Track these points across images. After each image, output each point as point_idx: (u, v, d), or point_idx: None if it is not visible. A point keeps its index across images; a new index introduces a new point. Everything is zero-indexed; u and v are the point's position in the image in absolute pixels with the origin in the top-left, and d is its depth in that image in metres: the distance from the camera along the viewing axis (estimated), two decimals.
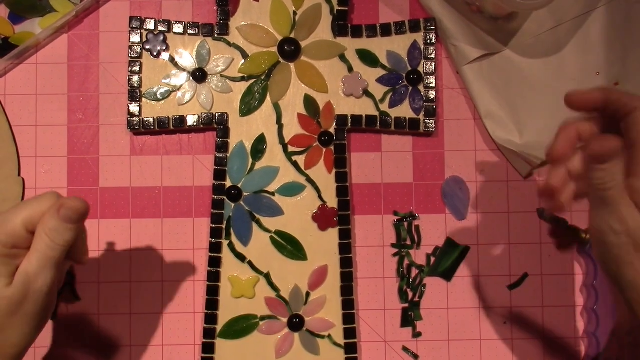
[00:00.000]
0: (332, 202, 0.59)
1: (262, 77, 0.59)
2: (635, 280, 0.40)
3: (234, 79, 0.59)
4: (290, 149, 0.59)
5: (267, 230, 0.59)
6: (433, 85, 0.59)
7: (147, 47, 0.59)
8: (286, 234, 0.59)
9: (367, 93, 0.59)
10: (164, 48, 0.59)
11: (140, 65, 0.59)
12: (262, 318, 0.59)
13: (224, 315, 0.58)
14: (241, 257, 0.59)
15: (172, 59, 0.59)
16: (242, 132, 0.59)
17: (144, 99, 0.59)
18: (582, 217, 0.60)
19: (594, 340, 0.58)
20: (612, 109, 0.42)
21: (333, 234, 0.59)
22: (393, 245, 0.60)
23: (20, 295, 0.44)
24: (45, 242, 0.44)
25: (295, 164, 0.59)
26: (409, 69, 0.59)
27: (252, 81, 0.59)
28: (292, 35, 0.59)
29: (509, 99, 0.59)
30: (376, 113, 0.59)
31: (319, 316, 0.59)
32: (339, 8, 0.59)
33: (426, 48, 0.59)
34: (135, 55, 0.59)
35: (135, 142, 0.60)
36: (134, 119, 0.58)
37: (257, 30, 0.59)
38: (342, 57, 0.59)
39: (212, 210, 0.58)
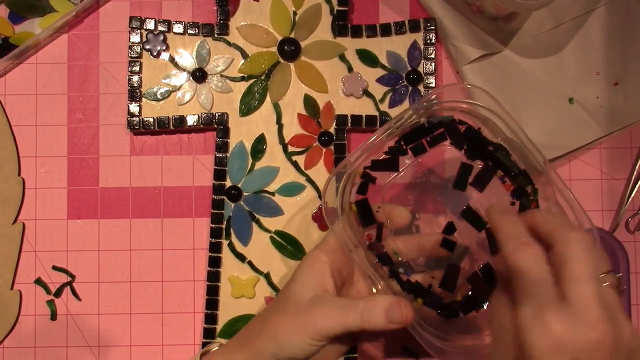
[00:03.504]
0: (332, 202, 0.59)
1: (262, 77, 0.59)
2: None
3: (233, 79, 0.59)
4: (290, 149, 0.59)
5: (267, 230, 0.59)
6: (433, 85, 0.59)
7: (147, 47, 0.59)
8: (286, 234, 0.59)
9: (367, 93, 0.59)
10: (164, 48, 0.59)
11: (140, 65, 0.59)
12: None
13: (224, 315, 0.58)
14: (241, 257, 0.59)
15: (172, 59, 0.59)
16: (242, 132, 0.59)
17: (144, 99, 0.59)
18: None
19: None
20: (540, 234, 0.42)
21: None
22: None
23: None
24: None
25: (295, 164, 0.59)
26: (409, 69, 0.59)
27: (252, 81, 0.59)
28: (292, 35, 0.59)
29: (509, 99, 0.59)
30: (376, 113, 0.59)
31: None
32: (339, 8, 0.59)
33: (426, 48, 0.59)
34: (135, 55, 0.59)
35: (135, 142, 0.60)
36: (134, 119, 0.58)
37: (257, 30, 0.59)
38: (342, 57, 0.59)
39: (212, 210, 0.58)
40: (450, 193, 0.52)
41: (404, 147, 0.51)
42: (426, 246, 0.51)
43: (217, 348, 0.50)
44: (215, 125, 0.59)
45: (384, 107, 0.59)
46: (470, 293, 0.49)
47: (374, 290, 0.50)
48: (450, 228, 0.51)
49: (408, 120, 0.50)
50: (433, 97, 0.50)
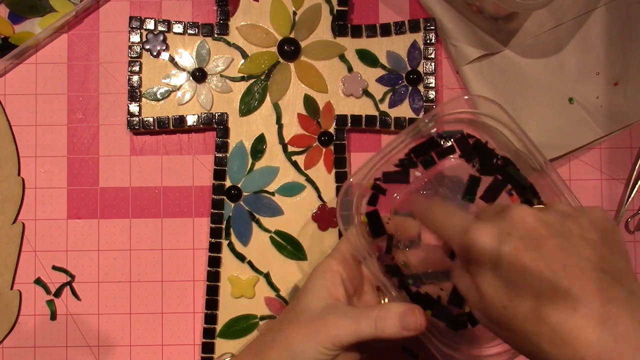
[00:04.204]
0: (332, 202, 0.59)
1: (262, 77, 0.59)
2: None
3: (233, 79, 0.59)
4: (290, 148, 0.59)
5: (266, 230, 0.59)
6: (433, 85, 0.59)
7: (147, 47, 0.59)
8: (286, 234, 0.59)
9: (366, 93, 0.59)
10: (164, 48, 0.59)
11: (140, 65, 0.59)
12: (262, 318, 0.59)
13: (224, 315, 0.58)
14: (241, 257, 0.59)
15: (171, 59, 0.59)
16: (241, 132, 0.59)
17: (143, 99, 0.59)
18: None
19: None
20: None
21: (333, 234, 0.59)
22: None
23: None
24: None
25: (295, 164, 0.59)
26: (409, 69, 0.59)
27: (251, 81, 0.59)
28: (292, 35, 0.59)
29: (509, 99, 0.59)
30: (376, 113, 0.59)
31: None
32: (339, 8, 0.59)
33: (426, 48, 0.59)
34: (135, 55, 0.59)
35: (135, 142, 0.60)
36: (134, 119, 0.58)
37: (257, 30, 0.59)
38: (342, 57, 0.59)
39: (212, 210, 0.58)
40: (459, 204, 0.52)
41: (414, 159, 0.51)
42: (435, 258, 0.51)
43: (229, 359, 0.50)
44: (215, 125, 0.59)
45: (384, 107, 0.59)
46: None
47: (383, 301, 0.50)
48: None
49: (417, 135, 0.50)
50: (440, 110, 0.50)
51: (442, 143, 0.51)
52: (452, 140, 0.51)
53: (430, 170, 0.52)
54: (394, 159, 0.51)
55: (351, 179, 0.50)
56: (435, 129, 0.51)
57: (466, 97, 0.52)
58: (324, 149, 0.59)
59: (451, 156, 0.51)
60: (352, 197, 0.50)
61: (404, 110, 0.59)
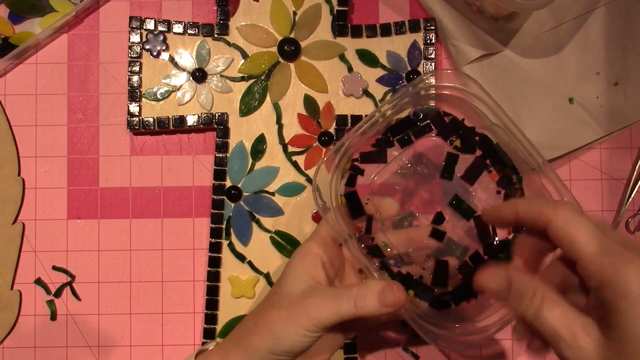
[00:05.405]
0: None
1: (262, 77, 0.59)
2: None
3: (233, 79, 0.59)
4: (290, 149, 0.59)
5: (267, 230, 0.59)
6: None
7: (147, 47, 0.59)
8: (286, 234, 0.59)
9: (367, 93, 0.59)
10: (164, 48, 0.59)
11: (140, 65, 0.59)
12: None
13: (224, 316, 0.58)
14: (241, 257, 0.59)
15: (172, 59, 0.59)
16: (242, 132, 0.59)
17: (143, 99, 0.59)
18: None
19: None
20: (528, 221, 0.41)
21: None
22: None
23: None
24: None
25: (295, 164, 0.59)
26: (409, 69, 0.59)
27: (252, 81, 0.59)
28: (292, 35, 0.59)
29: (509, 99, 0.59)
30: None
31: None
32: (339, 8, 0.59)
33: (426, 48, 0.59)
34: (135, 55, 0.59)
35: (135, 142, 0.60)
36: (134, 119, 0.58)
37: (257, 30, 0.59)
38: (342, 57, 0.59)
39: (212, 210, 0.58)
40: (437, 183, 0.52)
41: (391, 138, 0.51)
42: (415, 237, 0.52)
43: (213, 347, 0.50)
44: (215, 125, 0.59)
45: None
46: (461, 283, 0.49)
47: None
48: (439, 218, 0.52)
49: (396, 106, 0.51)
50: (420, 85, 0.50)
51: (418, 121, 0.51)
52: (428, 118, 0.51)
53: (408, 149, 0.52)
54: (370, 140, 0.51)
55: (325, 158, 0.50)
56: (412, 107, 0.51)
57: (449, 72, 0.52)
58: (324, 149, 0.59)
59: (431, 134, 0.51)
60: (329, 178, 0.50)
61: None
